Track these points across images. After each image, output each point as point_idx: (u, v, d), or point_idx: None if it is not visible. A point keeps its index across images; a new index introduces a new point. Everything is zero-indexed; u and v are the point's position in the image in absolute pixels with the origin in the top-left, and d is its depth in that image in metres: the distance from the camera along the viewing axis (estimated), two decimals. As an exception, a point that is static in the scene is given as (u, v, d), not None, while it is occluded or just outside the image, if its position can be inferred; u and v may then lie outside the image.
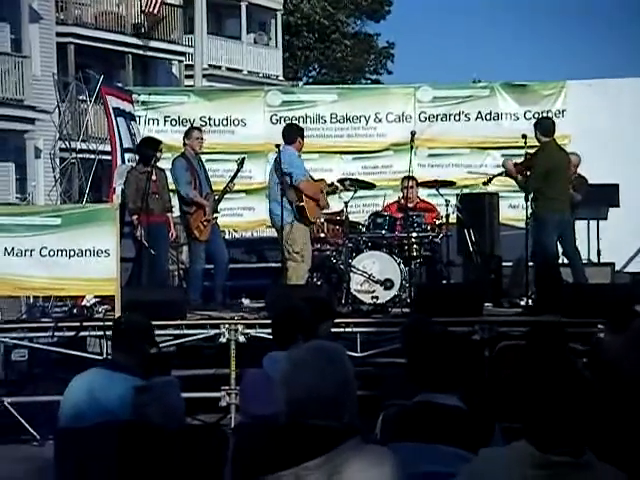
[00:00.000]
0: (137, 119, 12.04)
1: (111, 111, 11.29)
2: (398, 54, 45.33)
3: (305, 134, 11.93)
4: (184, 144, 10.27)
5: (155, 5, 27.92)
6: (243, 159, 10.39)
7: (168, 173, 10.21)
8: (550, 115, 11.48)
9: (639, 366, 3.45)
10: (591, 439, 2.70)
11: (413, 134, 10.40)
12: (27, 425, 8.23)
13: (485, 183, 10.26)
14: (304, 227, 9.76)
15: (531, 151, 9.44)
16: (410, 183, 10.56)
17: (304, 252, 9.69)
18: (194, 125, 11.23)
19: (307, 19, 39.42)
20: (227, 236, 13.04)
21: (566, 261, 9.66)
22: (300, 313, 5.09)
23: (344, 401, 2.74)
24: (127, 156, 11.23)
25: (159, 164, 10.07)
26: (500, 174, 9.83)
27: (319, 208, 9.93)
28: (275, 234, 10.25)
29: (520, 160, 9.52)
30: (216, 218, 10.17)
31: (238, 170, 10.28)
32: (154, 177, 9.80)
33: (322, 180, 10.21)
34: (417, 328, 5.58)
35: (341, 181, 10.38)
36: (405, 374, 4.76)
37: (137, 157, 10.55)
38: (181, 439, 3.81)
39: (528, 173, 9.29)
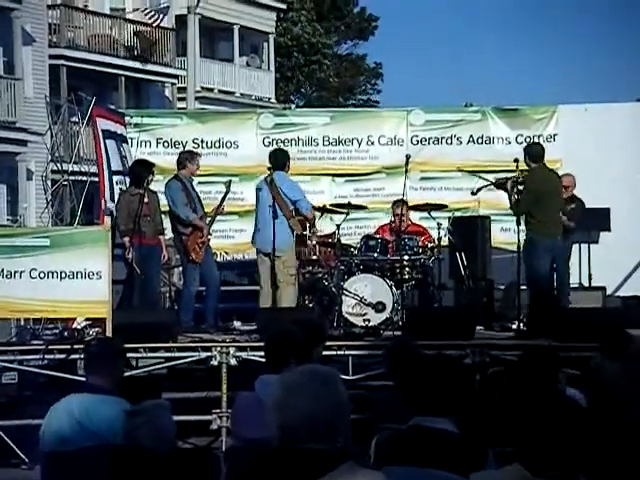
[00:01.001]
0: (129, 141, 12.04)
1: (100, 133, 11.28)
2: (389, 74, 45.66)
3: (297, 156, 11.99)
4: (183, 167, 10.22)
5: (156, 20, 28.03)
6: (230, 182, 10.40)
7: (160, 196, 10.20)
8: (541, 139, 11.54)
9: (635, 390, 3.44)
10: (585, 463, 2.69)
11: (408, 157, 10.42)
12: (16, 449, 8.16)
13: (473, 193, 10.28)
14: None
15: (519, 174, 9.47)
16: (402, 206, 10.58)
17: (295, 275, 9.75)
18: (189, 149, 11.22)
19: (298, 40, 39.62)
20: (218, 258, 13.01)
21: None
22: (293, 337, 5.07)
23: (338, 425, 2.73)
24: (115, 178, 11.21)
25: (151, 186, 10.06)
26: (489, 184, 9.86)
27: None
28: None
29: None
30: (208, 240, 10.17)
31: (226, 192, 10.28)
32: (146, 199, 9.79)
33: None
34: (401, 350, 5.58)
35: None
36: (393, 397, 4.74)
37: (128, 179, 10.54)
38: (172, 462, 3.78)
39: (518, 192, 9.33)
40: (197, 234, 9.93)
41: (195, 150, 10.89)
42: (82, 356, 8.14)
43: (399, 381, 5.44)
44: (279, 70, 38.28)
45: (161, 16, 28.21)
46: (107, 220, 10.60)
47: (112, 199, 10.94)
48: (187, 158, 10.27)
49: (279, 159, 9.94)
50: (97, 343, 5.19)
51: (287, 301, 9.55)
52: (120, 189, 11.05)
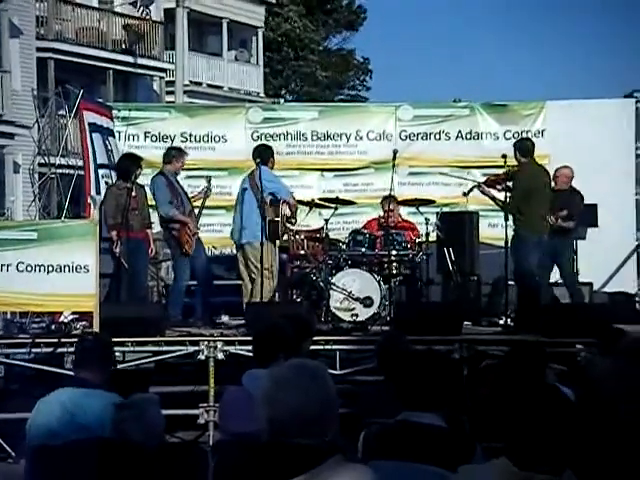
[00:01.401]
0: (117, 135, 12.01)
1: (86, 126, 11.25)
2: (378, 70, 45.62)
3: (286, 151, 11.97)
4: (168, 162, 10.19)
5: (144, 13, 27.92)
6: (210, 178, 10.39)
7: (147, 189, 10.18)
8: (530, 135, 11.57)
9: (625, 386, 3.46)
10: (572, 458, 2.70)
11: (395, 152, 10.44)
12: (2, 442, 8.14)
13: (465, 194, 10.32)
14: (272, 244, 9.80)
15: (510, 169, 9.50)
16: (391, 201, 10.58)
17: (273, 269, 9.73)
18: (177, 145, 11.17)
19: (287, 36, 39.58)
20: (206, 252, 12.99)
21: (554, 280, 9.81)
22: (281, 331, 5.07)
23: (327, 419, 2.73)
24: (101, 172, 11.19)
25: (139, 180, 10.03)
26: (480, 184, 9.89)
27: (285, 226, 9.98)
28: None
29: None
30: (197, 234, 10.16)
31: (207, 189, 10.24)
32: (134, 193, 9.77)
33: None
34: (391, 345, 5.58)
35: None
36: (383, 391, 4.75)
37: (115, 173, 10.51)
38: (161, 456, 3.78)
39: (504, 188, 9.37)
40: (187, 226, 9.92)
41: (183, 148, 10.85)
42: (70, 351, 8.15)
43: (389, 376, 5.45)
44: (268, 65, 38.25)
45: (147, 10, 28.11)
46: (95, 213, 10.57)
47: (98, 192, 10.92)
48: (174, 155, 10.25)
49: (262, 154, 9.94)
50: (86, 338, 5.17)
51: (264, 294, 9.53)
52: (106, 182, 11.03)
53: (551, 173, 9.99)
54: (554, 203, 9.77)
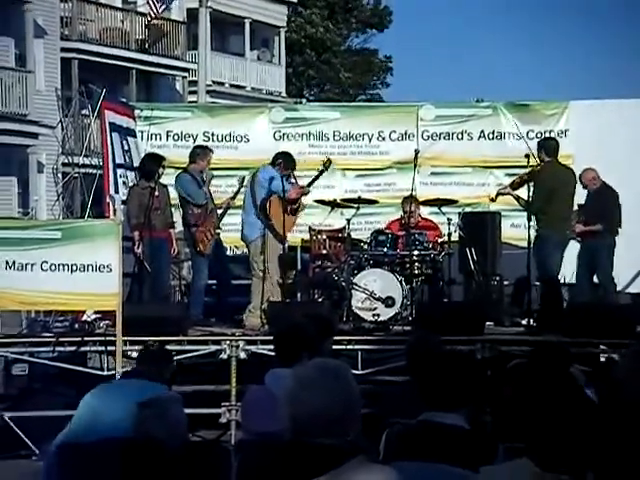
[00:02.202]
0: (140, 134, 12.06)
1: (107, 126, 11.32)
2: (399, 69, 45.46)
3: (308, 151, 11.96)
4: (193, 161, 10.23)
5: (155, 10, 27.90)
6: (243, 178, 10.38)
7: (171, 189, 10.23)
8: (552, 135, 11.51)
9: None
10: (594, 460, 2.69)
11: (417, 152, 10.42)
12: (27, 440, 8.20)
13: (493, 200, 10.30)
14: (276, 243, 9.69)
15: (532, 169, 9.48)
16: (412, 202, 10.57)
17: (267, 269, 9.60)
18: (202, 144, 11.22)
19: (309, 38, 39.59)
20: (228, 252, 13.03)
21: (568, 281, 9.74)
22: (304, 330, 5.08)
23: (349, 419, 2.73)
24: (119, 172, 11.25)
25: (161, 180, 10.08)
26: (507, 188, 9.88)
27: (290, 221, 9.83)
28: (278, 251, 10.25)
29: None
30: (219, 234, 10.18)
31: (239, 188, 10.26)
32: (157, 193, 9.82)
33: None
34: (423, 345, 5.56)
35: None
36: (408, 391, 4.74)
37: (138, 172, 10.57)
38: (183, 456, 3.79)
39: (526, 190, 9.34)
40: (206, 225, 9.96)
41: (208, 146, 10.89)
42: (93, 349, 8.19)
43: (417, 376, 5.44)
44: (290, 65, 38.27)
45: (164, 6, 28.08)
46: (119, 213, 10.63)
47: (116, 191, 11.00)
48: (198, 154, 10.30)
49: (274, 157, 9.92)
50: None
51: (256, 296, 9.49)
52: (123, 182, 11.11)
53: (576, 173, 9.96)
54: (585, 208, 9.75)
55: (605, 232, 10.02)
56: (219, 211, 10.24)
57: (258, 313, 9.40)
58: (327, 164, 10.10)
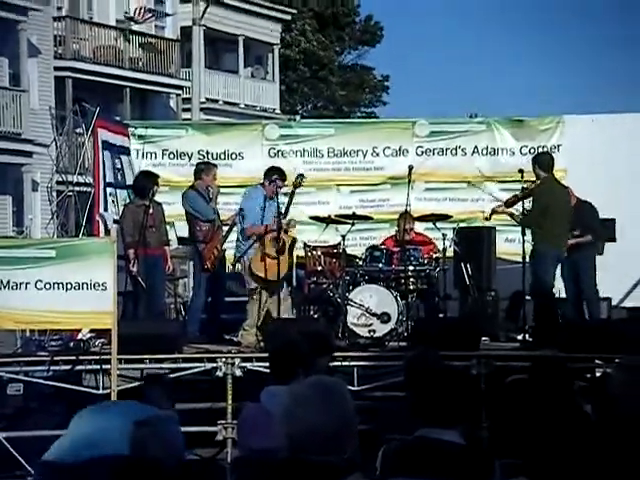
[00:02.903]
0: (135, 152, 12.07)
1: (99, 145, 11.33)
2: (394, 87, 45.63)
3: (303, 167, 11.97)
4: (199, 177, 10.23)
5: (142, 14, 28.03)
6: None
7: (166, 207, 10.25)
8: (546, 150, 11.55)
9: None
10: (590, 478, 2.68)
11: (411, 168, 10.44)
12: (22, 460, 8.16)
13: (487, 219, 10.33)
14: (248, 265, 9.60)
15: (527, 185, 9.50)
16: (407, 217, 10.58)
17: (252, 290, 9.59)
18: (205, 160, 11.26)
19: (303, 53, 39.73)
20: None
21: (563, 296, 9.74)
22: (299, 347, 5.07)
23: (345, 436, 2.73)
24: (108, 190, 11.26)
25: (156, 198, 10.08)
26: (501, 206, 9.90)
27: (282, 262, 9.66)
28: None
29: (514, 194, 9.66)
30: (224, 251, 10.19)
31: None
32: (151, 211, 9.82)
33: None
34: (421, 361, 5.54)
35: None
36: (405, 408, 4.73)
37: (120, 191, 10.63)
38: (180, 474, 3.77)
39: (521, 206, 9.36)
40: (213, 243, 9.97)
41: (212, 162, 10.91)
42: (89, 368, 8.13)
43: (415, 392, 5.42)
44: (284, 82, 38.38)
45: (152, 18, 28.19)
46: (112, 231, 10.61)
47: (105, 209, 11.02)
48: (202, 169, 10.34)
49: (271, 173, 9.81)
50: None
51: (250, 313, 9.48)
52: (112, 201, 11.14)
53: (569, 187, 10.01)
54: (572, 222, 9.76)
55: (590, 245, 10.06)
56: (224, 228, 10.23)
57: (253, 331, 9.39)
58: (298, 181, 10.03)
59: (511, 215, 9.65)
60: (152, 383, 4.76)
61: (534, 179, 9.41)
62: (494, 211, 10.02)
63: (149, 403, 4.61)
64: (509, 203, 9.75)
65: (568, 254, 9.76)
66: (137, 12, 27.92)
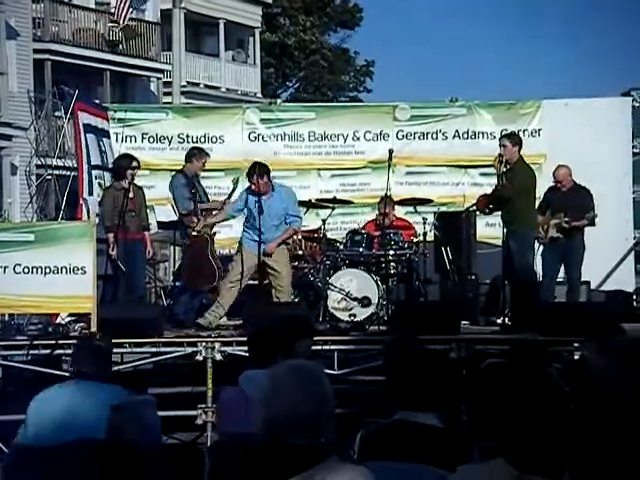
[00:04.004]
0: (114, 136, 12.01)
1: (81, 127, 11.26)
2: (378, 73, 45.52)
3: (283, 152, 11.95)
4: (189, 162, 10.18)
5: (123, 16, 27.87)
6: (238, 178, 10.33)
7: (147, 191, 10.21)
8: (526, 134, 11.59)
9: (622, 384, 3.45)
10: (570, 460, 2.69)
11: (391, 152, 10.44)
12: (0, 444, 8.13)
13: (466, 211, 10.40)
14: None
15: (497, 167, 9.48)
16: (387, 202, 10.58)
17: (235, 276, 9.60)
18: (199, 146, 11.19)
19: (285, 36, 39.59)
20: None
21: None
22: (278, 332, 5.07)
23: (322, 420, 2.73)
24: (95, 173, 11.21)
25: (136, 181, 10.03)
26: (472, 207, 10.01)
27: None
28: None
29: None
30: (214, 234, 10.15)
31: (234, 189, 10.21)
32: (131, 194, 9.77)
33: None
34: (399, 345, 5.56)
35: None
36: (384, 391, 4.75)
37: (107, 174, 10.54)
38: (157, 458, 3.78)
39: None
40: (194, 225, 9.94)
41: (202, 148, 10.87)
42: (68, 352, 8.11)
43: (392, 375, 5.43)
44: (267, 67, 38.25)
45: (131, 9, 28.04)
46: (92, 215, 10.57)
47: (90, 193, 10.96)
48: (194, 154, 10.28)
49: (258, 168, 9.62)
50: (87, 340, 5.11)
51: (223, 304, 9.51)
52: (99, 184, 11.07)
53: (550, 171, 10.01)
54: (566, 204, 9.77)
55: (582, 230, 10.08)
56: (214, 212, 10.17)
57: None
58: (235, 180, 10.02)
59: (482, 211, 9.68)
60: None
61: (495, 159, 9.31)
62: (467, 210, 10.11)
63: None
64: (479, 206, 9.72)
65: (561, 237, 9.78)
66: (118, 8, 27.70)
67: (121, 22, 27.71)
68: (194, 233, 9.73)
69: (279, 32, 39.17)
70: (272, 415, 2.73)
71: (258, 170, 9.30)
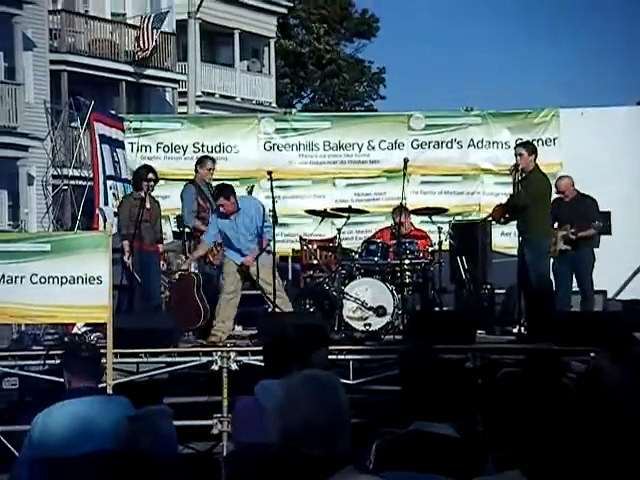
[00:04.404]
0: (130, 146, 12.07)
1: (97, 138, 11.33)
2: (391, 81, 45.58)
3: (298, 161, 11.97)
4: (196, 171, 10.39)
5: (149, 42, 28.03)
6: (252, 187, 10.42)
7: (161, 201, 10.28)
8: (541, 143, 11.56)
9: (636, 394, 3.43)
10: (584, 471, 2.67)
11: (406, 162, 10.44)
12: (18, 454, 8.14)
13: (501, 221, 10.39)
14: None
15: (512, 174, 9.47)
16: (402, 211, 10.57)
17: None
18: (203, 154, 11.32)
19: (300, 46, 39.68)
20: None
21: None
22: (293, 341, 5.07)
23: (338, 430, 2.73)
24: (109, 183, 11.28)
25: (154, 193, 10.09)
26: (488, 217, 10.01)
27: None
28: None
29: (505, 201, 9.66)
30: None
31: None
32: (148, 205, 9.83)
33: None
34: (415, 354, 5.54)
35: None
36: (400, 401, 4.74)
37: (119, 184, 10.66)
38: (173, 468, 3.78)
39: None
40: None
41: (209, 156, 10.97)
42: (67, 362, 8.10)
43: (407, 385, 5.42)
44: (282, 77, 38.33)
45: (159, 24, 28.21)
46: (108, 225, 10.61)
47: (105, 203, 11.03)
48: (198, 163, 10.55)
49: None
50: (86, 348, 5.05)
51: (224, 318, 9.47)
52: (113, 194, 11.16)
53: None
54: (571, 215, 9.75)
55: (596, 236, 10.05)
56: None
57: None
58: (250, 189, 10.29)
59: (498, 221, 9.69)
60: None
61: (511, 168, 9.30)
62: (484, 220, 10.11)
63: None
64: (495, 215, 9.73)
65: (570, 249, 9.76)
66: (143, 35, 27.87)
67: (149, 48, 27.87)
68: (180, 271, 9.77)
69: (294, 41, 39.26)
70: (287, 425, 2.72)
71: (224, 192, 9.39)
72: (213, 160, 10.66)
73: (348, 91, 41.91)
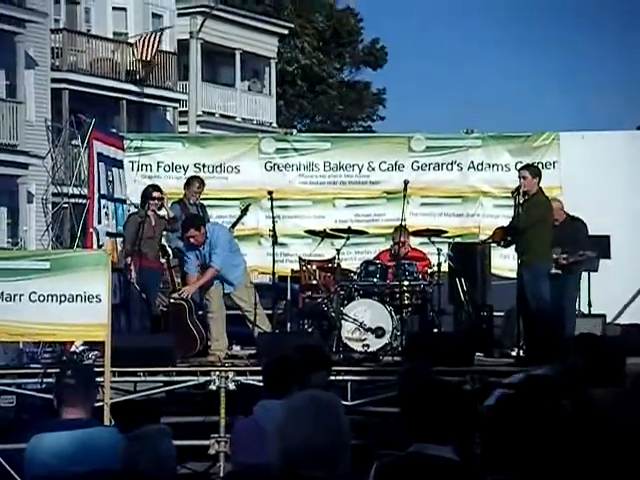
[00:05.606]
0: (130, 165, 12.09)
1: (95, 157, 11.36)
2: (391, 102, 45.67)
3: (299, 181, 12.01)
4: (185, 190, 10.52)
5: (150, 53, 28.11)
6: (248, 205, 10.44)
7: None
8: (541, 166, 11.56)
9: (632, 419, 3.42)
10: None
11: (406, 183, 10.45)
12: (13, 473, 8.11)
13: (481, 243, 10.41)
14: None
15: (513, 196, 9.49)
16: (402, 232, 10.59)
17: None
18: (193, 174, 11.38)
19: (301, 68, 39.79)
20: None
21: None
22: (293, 362, 5.06)
23: (338, 452, 2.72)
24: (102, 202, 11.32)
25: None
26: (488, 239, 10.03)
27: None
28: (267, 281, 10.27)
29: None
30: None
31: (242, 216, 10.34)
32: (153, 222, 9.90)
33: None
34: (414, 376, 5.53)
35: None
36: (399, 423, 4.72)
37: (110, 204, 10.79)
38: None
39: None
40: None
41: (196, 174, 11.01)
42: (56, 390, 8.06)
43: (406, 407, 5.41)
44: (282, 97, 38.41)
45: (158, 35, 28.29)
46: (106, 244, 10.66)
47: (99, 222, 11.10)
48: (186, 183, 10.67)
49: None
50: (75, 374, 4.72)
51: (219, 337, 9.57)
52: (105, 213, 11.23)
53: (566, 204, 10.03)
54: (560, 239, 9.75)
55: (585, 261, 10.06)
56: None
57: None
58: (245, 208, 10.36)
59: (498, 243, 9.73)
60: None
61: (513, 191, 9.34)
62: (483, 242, 10.13)
63: None
64: (495, 238, 9.77)
65: (562, 273, 9.77)
66: (144, 44, 28.01)
67: (150, 57, 27.95)
68: (172, 299, 9.74)
69: (293, 63, 39.36)
70: (287, 446, 2.71)
71: (194, 223, 9.51)
72: (201, 181, 10.69)
73: (347, 113, 41.96)
